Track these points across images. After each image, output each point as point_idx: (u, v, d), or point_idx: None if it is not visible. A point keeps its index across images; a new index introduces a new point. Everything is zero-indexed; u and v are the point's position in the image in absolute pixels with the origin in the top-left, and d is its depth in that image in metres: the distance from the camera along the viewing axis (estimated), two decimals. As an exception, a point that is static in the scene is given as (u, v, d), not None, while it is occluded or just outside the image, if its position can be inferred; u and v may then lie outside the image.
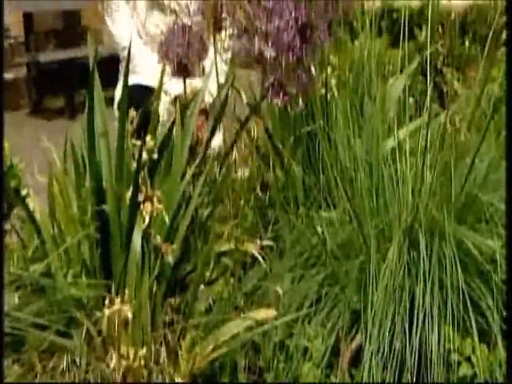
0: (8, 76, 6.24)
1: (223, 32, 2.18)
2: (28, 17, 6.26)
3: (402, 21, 2.17)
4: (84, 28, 6.91)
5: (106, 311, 1.42)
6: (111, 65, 2.90)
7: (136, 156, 1.62)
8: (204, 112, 2.63)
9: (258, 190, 2.49)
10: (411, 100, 2.43)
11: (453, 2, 4.06)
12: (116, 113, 2.60)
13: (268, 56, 1.77)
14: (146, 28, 2.67)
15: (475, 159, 1.71)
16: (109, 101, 2.74)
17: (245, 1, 1.87)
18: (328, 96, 2.41)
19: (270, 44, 1.77)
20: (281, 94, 1.98)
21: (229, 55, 2.69)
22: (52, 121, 6.25)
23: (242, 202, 2.38)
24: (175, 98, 2.44)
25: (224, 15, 2.07)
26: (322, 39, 1.96)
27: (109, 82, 2.88)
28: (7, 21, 6.18)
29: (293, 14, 1.83)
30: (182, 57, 2.09)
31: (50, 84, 6.49)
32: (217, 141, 2.31)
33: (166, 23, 2.52)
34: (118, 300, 1.42)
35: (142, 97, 2.15)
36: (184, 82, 2.24)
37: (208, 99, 2.69)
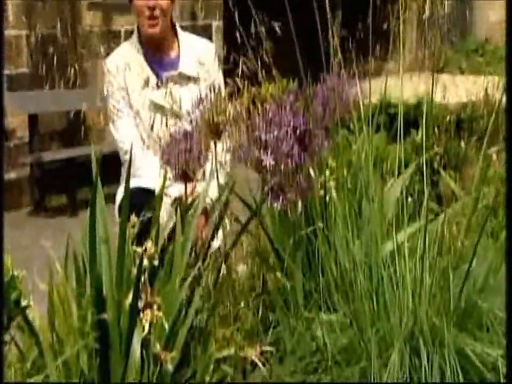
0: (10, 175, 6.33)
1: (222, 138, 2.24)
2: (32, 119, 6.41)
3: (399, 119, 2.23)
4: (87, 127, 7.06)
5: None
6: (113, 163, 2.96)
7: (137, 262, 1.63)
8: (204, 212, 2.66)
9: (258, 291, 2.48)
10: (409, 199, 2.46)
11: (448, 101, 4.17)
12: (117, 215, 2.63)
13: (267, 165, 1.81)
14: (149, 132, 2.74)
15: (472, 263, 1.72)
16: (111, 197, 2.79)
17: (245, 111, 1.93)
18: (327, 198, 2.44)
19: (269, 153, 1.82)
20: (280, 198, 2.02)
21: (229, 156, 2.74)
22: (53, 219, 6.29)
23: (242, 303, 2.37)
24: (175, 200, 2.48)
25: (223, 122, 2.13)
26: (320, 146, 2.01)
27: (111, 179, 2.93)
28: (12, 123, 6.32)
29: (292, 124, 1.89)
30: (184, 163, 2.14)
31: (52, 183, 6.58)
32: (217, 242, 2.33)
33: (168, 127, 2.59)
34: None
35: (142, 200, 2.18)
36: (185, 186, 2.28)
37: (208, 199, 2.73)
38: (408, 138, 3.87)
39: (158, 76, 2.77)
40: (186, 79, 2.78)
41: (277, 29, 2.25)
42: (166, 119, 2.60)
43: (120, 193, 2.81)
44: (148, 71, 2.74)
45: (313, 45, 2.46)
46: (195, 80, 2.79)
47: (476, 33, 13.20)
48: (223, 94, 2.09)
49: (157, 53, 2.78)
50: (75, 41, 6.75)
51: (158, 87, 2.75)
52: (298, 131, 1.90)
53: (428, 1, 2.11)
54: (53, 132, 6.82)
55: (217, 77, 2.84)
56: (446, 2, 2.09)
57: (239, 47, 2.30)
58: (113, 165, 2.96)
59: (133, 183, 2.61)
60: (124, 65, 2.75)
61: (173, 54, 2.82)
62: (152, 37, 2.74)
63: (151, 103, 2.73)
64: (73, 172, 6.38)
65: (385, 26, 2.64)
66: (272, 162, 1.83)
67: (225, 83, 2.54)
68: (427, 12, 2.10)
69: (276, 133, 1.81)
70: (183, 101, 2.69)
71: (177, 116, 2.66)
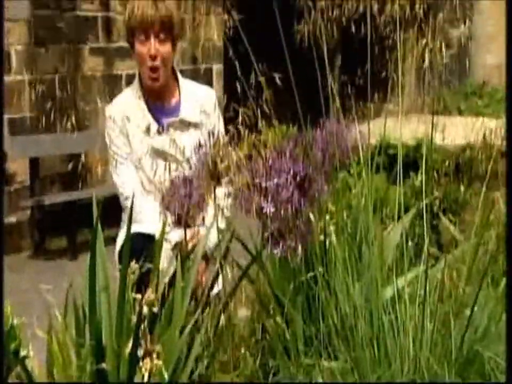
0: (11, 219, 6.34)
1: (223, 183, 2.25)
2: (33, 163, 6.44)
3: (398, 161, 2.24)
4: (88, 170, 7.09)
5: None
6: (114, 205, 2.97)
7: (137, 309, 1.63)
8: (205, 257, 2.66)
9: (258, 337, 2.47)
10: (410, 243, 2.46)
11: (447, 143, 4.20)
12: (117, 262, 2.62)
13: (268, 212, 1.82)
14: (150, 178, 2.75)
15: (473, 311, 1.71)
16: (111, 240, 2.79)
17: (245, 157, 1.95)
18: (327, 242, 2.44)
19: (269, 200, 1.83)
20: (280, 244, 2.02)
21: (229, 201, 2.75)
22: (53, 262, 6.28)
23: (242, 349, 2.35)
24: (175, 245, 2.48)
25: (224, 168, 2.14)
26: (320, 192, 2.02)
27: (112, 221, 2.94)
28: (12, 168, 6.35)
29: (292, 171, 1.90)
30: (184, 208, 2.15)
31: (53, 225, 6.58)
32: (217, 287, 2.32)
33: (169, 172, 2.61)
34: None
35: (142, 246, 2.18)
36: (185, 232, 2.29)
37: (208, 244, 2.73)
38: (408, 179, 3.89)
39: (159, 122, 2.79)
40: (187, 125, 2.80)
41: (277, 79, 2.28)
42: (169, 165, 2.62)
43: (120, 238, 2.81)
44: (149, 118, 2.77)
45: (313, 91, 2.49)
46: (196, 126, 2.81)
47: (474, 76, 13.35)
48: (223, 140, 2.11)
49: (158, 100, 2.81)
50: (76, 86, 6.83)
51: (159, 133, 2.77)
52: (298, 177, 1.91)
53: (426, 51, 2.14)
54: (54, 175, 6.84)
55: (218, 123, 2.86)
56: (444, 52, 2.12)
57: (239, 96, 2.33)
58: (113, 207, 2.97)
59: (133, 229, 2.61)
60: (125, 112, 2.77)
61: (173, 101, 2.84)
62: (153, 87, 2.77)
63: (153, 149, 2.75)
64: (73, 214, 6.39)
65: (384, 73, 2.67)
66: (273, 209, 1.83)
67: (226, 130, 2.56)
68: (426, 62, 2.13)
69: (275, 180, 1.82)
70: (184, 147, 2.72)
71: (179, 162, 2.68)
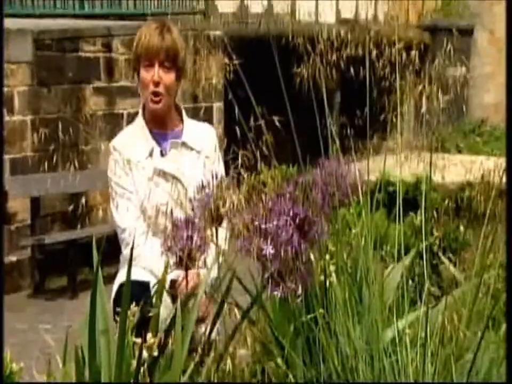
0: (11, 258, 6.33)
1: (224, 224, 2.26)
2: (34, 202, 6.45)
3: (398, 200, 2.24)
4: (89, 209, 7.10)
5: None
6: (114, 242, 2.98)
7: (137, 354, 1.62)
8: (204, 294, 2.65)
9: (259, 378, 2.45)
10: (410, 282, 2.45)
11: (446, 181, 4.22)
12: (112, 308, 2.61)
13: (267, 254, 1.83)
14: (151, 202, 2.75)
15: (475, 357, 1.70)
16: (112, 278, 2.79)
17: (245, 200, 1.96)
18: (327, 283, 2.43)
19: (269, 242, 1.83)
20: (281, 286, 2.02)
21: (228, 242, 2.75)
22: (53, 302, 6.25)
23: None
24: (171, 282, 2.48)
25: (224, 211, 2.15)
26: (320, 234, 2.03)
27: (113, 258, 2.94)
28: (14, 206, 6.37)
29: (291, 212, 1.91)
30: (185, 250, 2.15)
31: (53, 264, 6.58)
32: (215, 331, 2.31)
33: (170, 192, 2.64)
34: None
35: (138, 293, 2.17)
36: (186, 274, 2.28)
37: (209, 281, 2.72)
38: (407, 216, 3.90)
39: (161, 146, 2.83)
40: (189, 149, 2.84)
41: (277, 122, 2.31)
42: (170, 187, 2.64)
43: (117, 281, 2.80)
44: (152, 142, 2.81)
45: (312, 132, 2.52)
46: (198, 152, 2.85)
47: (472, 114, 13.48)
48: (224, 182, 2.13)
49: (161, 128, 2.85)
50: (78, 125, 6.89)
51: (162, 155, 2.81)
52: (297, 219, 1.92)
53: (424, 97, 2.17)
54: (55, 214, 6.86)
55: (218, 164, 2.89)
56: (441, 99, 2.15)
57: (239, 138, 2.35)
58: (114, 244, 2.97)
59: (131, 274, 2.61)
60: (129, 141, 2.82)
61: (176, 129, 2.89)
62: (156, 112, 2.80)
63: (155, 171, 2.78)
64: (74, 253, 6.39)
65: (383, 114, 2.70)
66: (272, 251, 1.84)
67: (226, 172, 2.58)
68: (424, 108, 2.16)
69: (275, 222, 1.83)
70: (185, 168, 2.75)
71: (180, 182, 2.71)
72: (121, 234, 2.81)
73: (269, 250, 1.84)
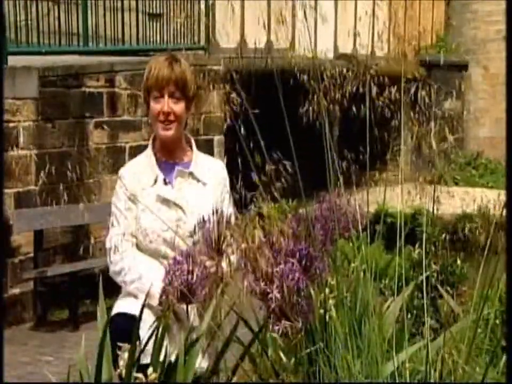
0: (14, 290, 6.34)
1: (224, 257, 2.28)
2: (37, 235, 6.48)
3: (397, 232, 2.27)
4: (91, 242, 7.13)
5: None
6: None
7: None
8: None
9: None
10: (409, 315, 2.47)
11: (444, 211, 4.25)
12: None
13: (273, 298, 1.83)
14: (152, 230, 2.77)
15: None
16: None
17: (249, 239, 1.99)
18: (327, 317, 2.45)
19: (275, 286, 1.84)
20: (282, 322, 2.05)
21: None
22: (55, 334, 6.25)
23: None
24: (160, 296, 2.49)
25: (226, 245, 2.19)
26: (321, 269, 2.06)
27: (115, 291, 2.96)
28: (17, 239, 6.40)
29: (298, 255, 1.93)
30: (186, 285, 2.18)
31: (55, 297, 6.58)
32: (204, 363, 2.32)
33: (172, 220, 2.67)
34: None
35: (127, 328, 2.19)
36: (187, 308, 2.32)
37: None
38: (405, 247, 3.91)
39: (168, 175, 2.85)
40: (196, 180, 2.85)
41: (288, 166, 2.35)
42: (179, 216, 2.66)
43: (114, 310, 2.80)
44: (156, 171, 2.82)
45: (313, 166, 2.57)
46: (204, 184, 2.86)
47: (468, 148, 13.63)
48: (229, 220, 2.16)
49: (170, 158, 2.86)
50: (81, 159, 6.95)
51: (166, 183, 2.82)
52: (298, 256, 1.96)
53: (432, 136, 2.22)
54: (57, 246, 6.89)
55: (229, 203, 2.89)
56: (450, 138, 2.20)
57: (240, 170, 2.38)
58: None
59: (118, 307, 2.64)
60: (135, 170, 2.84)
61: (186, 159, 2.89)
62: (166, 140, 2.83)
63: (158, 198, 2.79)
64: (76, 285, 6.40)
65: (383, 147, 2.76)
66: (278, 296, 1.86)
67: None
68: (434, 145, 2.21)
69: (281, 266, 1.84)
70: (189, 197, 2.76)
71: (182, 210, 2.74)
72: (109, 261, 2.83)
73: (275, 295, 1.86)
